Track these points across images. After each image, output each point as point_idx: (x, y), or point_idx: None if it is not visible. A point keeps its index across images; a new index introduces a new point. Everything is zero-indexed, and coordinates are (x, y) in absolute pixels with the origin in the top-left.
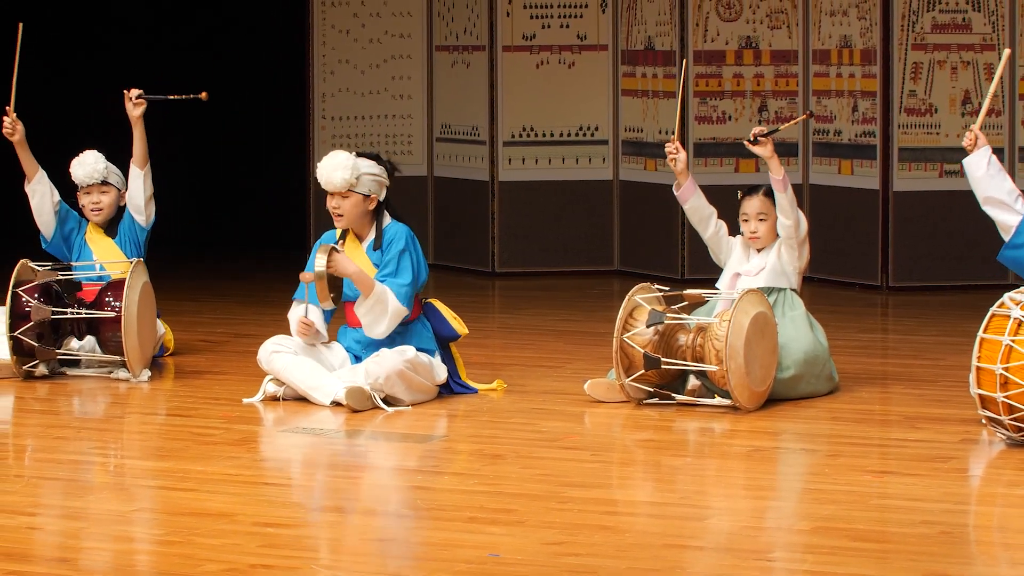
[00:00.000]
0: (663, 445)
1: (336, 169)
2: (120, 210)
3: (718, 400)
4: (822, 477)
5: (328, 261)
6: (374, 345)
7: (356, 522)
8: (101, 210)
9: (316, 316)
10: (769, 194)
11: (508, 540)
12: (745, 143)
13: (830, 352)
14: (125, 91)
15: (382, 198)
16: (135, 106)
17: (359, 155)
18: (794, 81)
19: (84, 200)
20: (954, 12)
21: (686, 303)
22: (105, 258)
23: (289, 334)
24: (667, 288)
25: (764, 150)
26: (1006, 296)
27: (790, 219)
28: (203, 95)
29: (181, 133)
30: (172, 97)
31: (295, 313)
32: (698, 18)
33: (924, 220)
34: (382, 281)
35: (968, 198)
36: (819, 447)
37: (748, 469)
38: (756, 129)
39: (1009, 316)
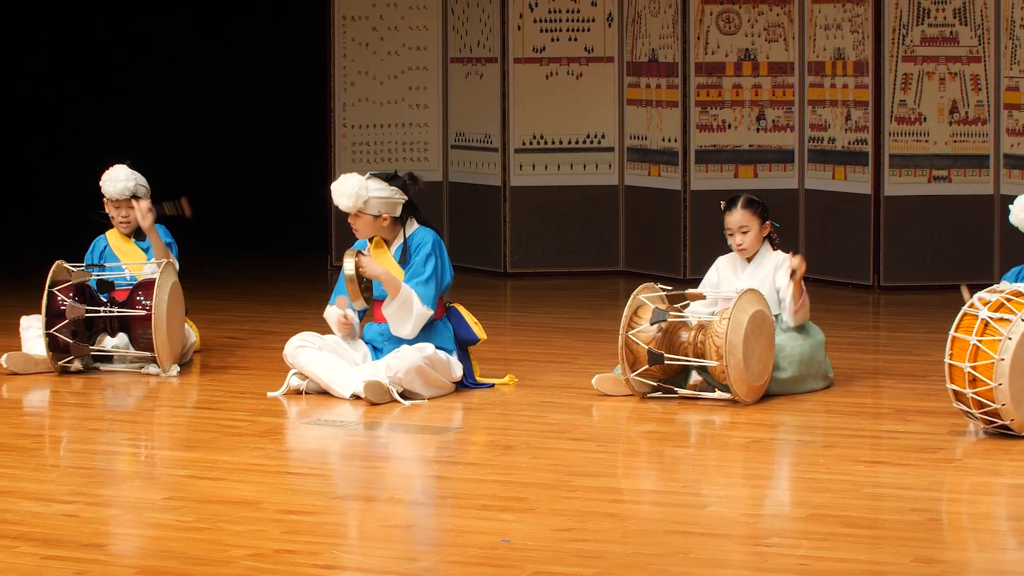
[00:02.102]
0: (666, 436)
1: (342, 196)
2: None
3: (718, 394)
4: (817, 467)
5: (355, 264)
6: (395, 340)
7: (375, 509)
8: (129, 223)
9: (352, 315)
10: (748, 205)
11: (519, 527)
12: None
13: (825, 349)
14: (135, 201)
15: (396, 215)
16: (144, 217)
17: (373, 176)
18: (790, 91)
19: (113, 212)
20: (942, 26)
21: (688, 302)
22: (131, 264)
23: (313, 331)
24: (670, 288)
25: (793, 277)
26: (975, 296)
27: (793, 324)
28: (187, 213)
29: (209, 139)
30: (167, 211)
31: (331, 312)
32: (699, 31)
33: (914, 223)
34: (408, 282)
35: (955, 202)
36: (814, 438)
37: (747, 459)
38: (794, 263)
39: (977, 316)
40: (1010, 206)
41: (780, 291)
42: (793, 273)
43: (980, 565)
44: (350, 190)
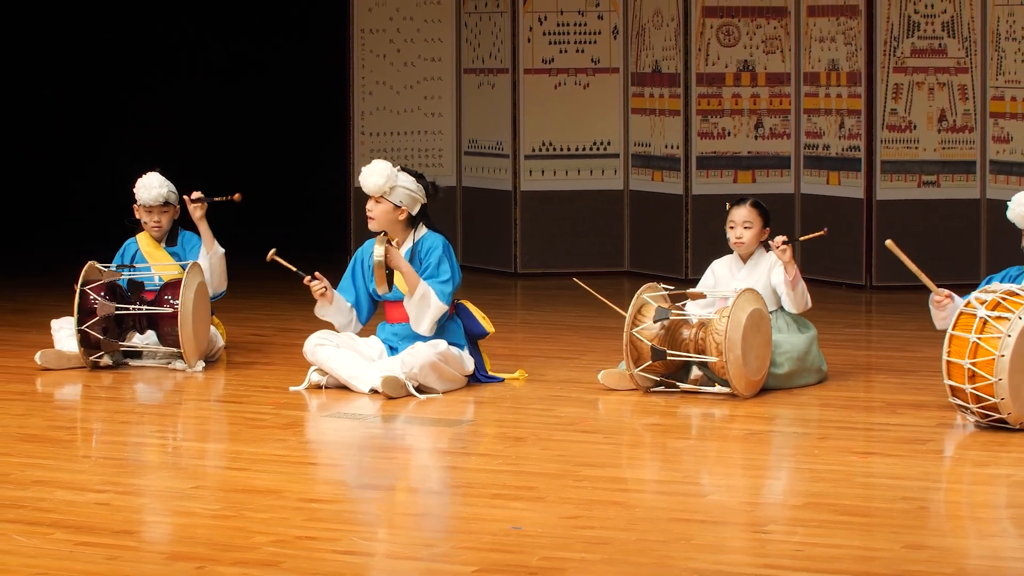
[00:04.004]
0: (669, 429)
1: (373, 175)
2: (175, 223)
3: (718, 388)
4: (812, 457)
5: (385, 252)
6: (410, 338)
7: (392, 498)
8: (160, 228)
9: (344, 307)
10: (756, 205)
11: (529, 514)
12: (771, 245)
13: (819, 345)
14: (186, 197)
15: (414, 212)
16: (196, 208)
17: (403, 169)
18: (787, 101)
19: (146, 217)
20: (931, 38)
21: (689, 300)
22: (158, 264)
23: (331, 329)
24: (672, 287)
25: (784, 255)
26: (972, 296)
27: (796, 310)
28: (236, 197)
29: (234, 145)
30: (216, 199)
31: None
32: (700, 44)
33: (904, 226)
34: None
35: (943, 206)
36: (810, 430)
37: (745, 450)
38: (778, 238)
39: (975, 315)
40: (1008, 202)
41: (776, 287)
42: (786, 242)
43: (969, 551)
44: (381, 171)
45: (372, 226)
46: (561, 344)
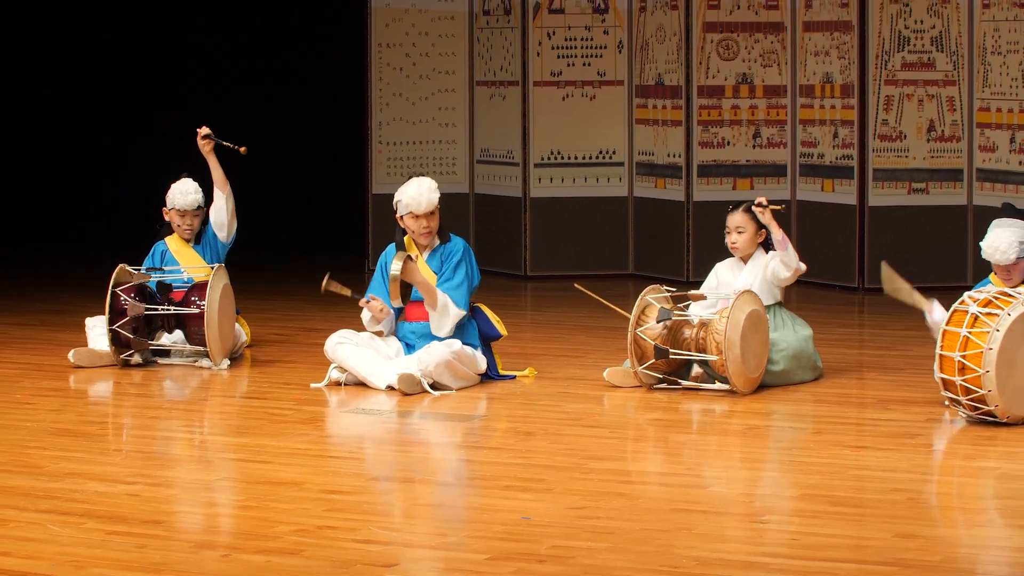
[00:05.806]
0: (671, 424)
1: (430, 191)
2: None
3: (718, 385)
4: (807, 451)
5: (402, 267)
6: (426, 337)
7: (408, 489)
8: (192, 230)
9: (392, 315)
10: (748, 210)
11: (538, 505)
12: (754, 208)
13: (814, 344)
14: (197, 130)
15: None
16: (204, 144)
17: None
18: (783, 112)
19: (178, 220)
20: (920, 52)
21: (690, 302)
22: (189, 267)
23: (351, 328)
24: (674, 289)
25: (764, 216)
26: (965, 295)
27: (789, 271)
28: (242, 150)
29: (258, 154)
30: (225, 143)
31: (367, 313)
32: (701, 57)
33: (895, 230)
34: (442, 286)
35: (931, 213)
36: (805, 425)
37: (744, 444)
38: (760, 199)
39: (967, 311)
40: (981, 243)
41: (770, 267)
42: (761, 206)
43: (958, 540)
44: (432, 186)
45: (428, 241)
46: (568, 343)
